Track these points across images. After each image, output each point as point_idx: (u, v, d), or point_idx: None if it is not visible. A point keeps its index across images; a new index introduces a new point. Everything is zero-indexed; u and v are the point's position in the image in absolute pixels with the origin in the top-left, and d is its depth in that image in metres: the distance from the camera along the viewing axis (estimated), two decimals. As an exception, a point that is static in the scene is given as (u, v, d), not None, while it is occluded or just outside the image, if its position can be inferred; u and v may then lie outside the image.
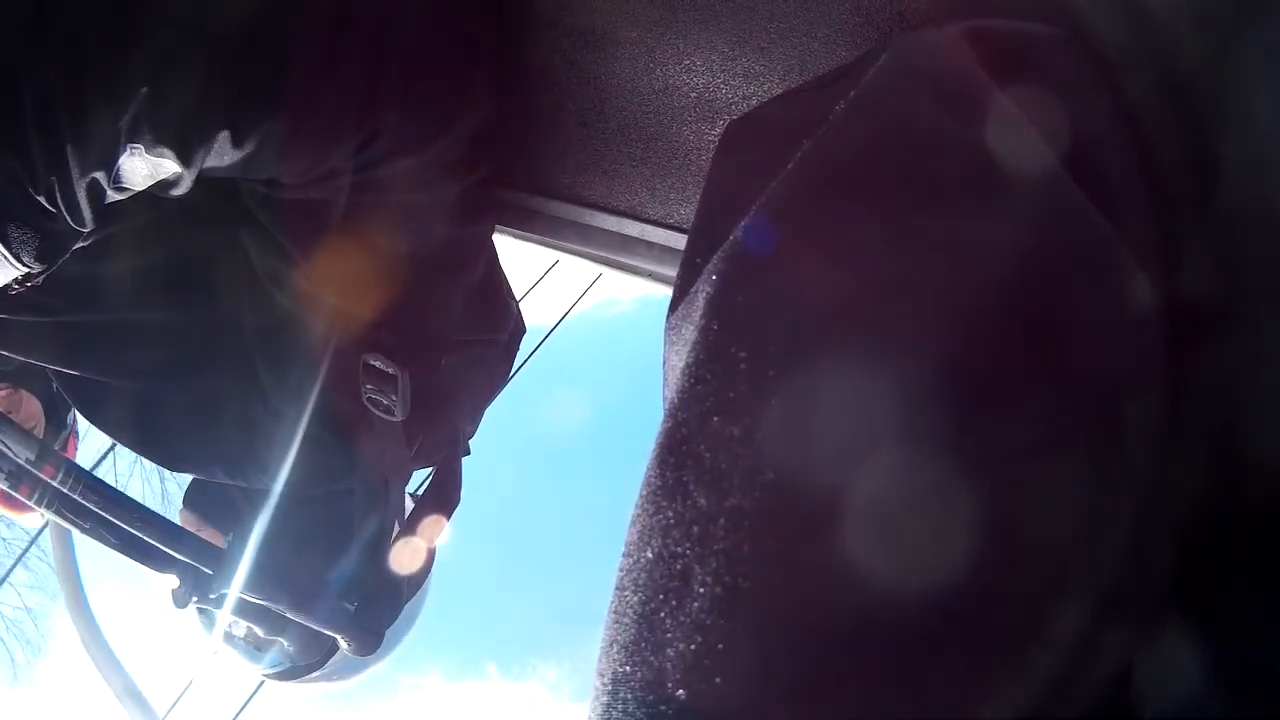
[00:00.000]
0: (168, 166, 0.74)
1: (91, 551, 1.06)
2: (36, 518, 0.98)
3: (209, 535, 1.11)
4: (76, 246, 0.77)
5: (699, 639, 0.34)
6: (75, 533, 0.95)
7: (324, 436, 1.03)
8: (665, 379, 0.47)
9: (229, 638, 1.14)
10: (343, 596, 1.06)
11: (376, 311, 0.97)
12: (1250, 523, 0.37)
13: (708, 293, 0.41)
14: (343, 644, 1.07)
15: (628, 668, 0.36)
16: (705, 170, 0.81)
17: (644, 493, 0.39)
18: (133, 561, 0.97)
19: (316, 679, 1.17)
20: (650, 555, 0.37)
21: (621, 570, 0.38)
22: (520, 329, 1.19)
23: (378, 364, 0.98)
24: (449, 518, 1.12)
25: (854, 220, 0.40)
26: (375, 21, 0.80)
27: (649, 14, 0.89)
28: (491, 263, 1.11)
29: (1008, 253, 0.37)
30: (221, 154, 0.76)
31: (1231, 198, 0.39)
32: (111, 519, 0.92)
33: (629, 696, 0.35)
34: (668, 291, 0.48)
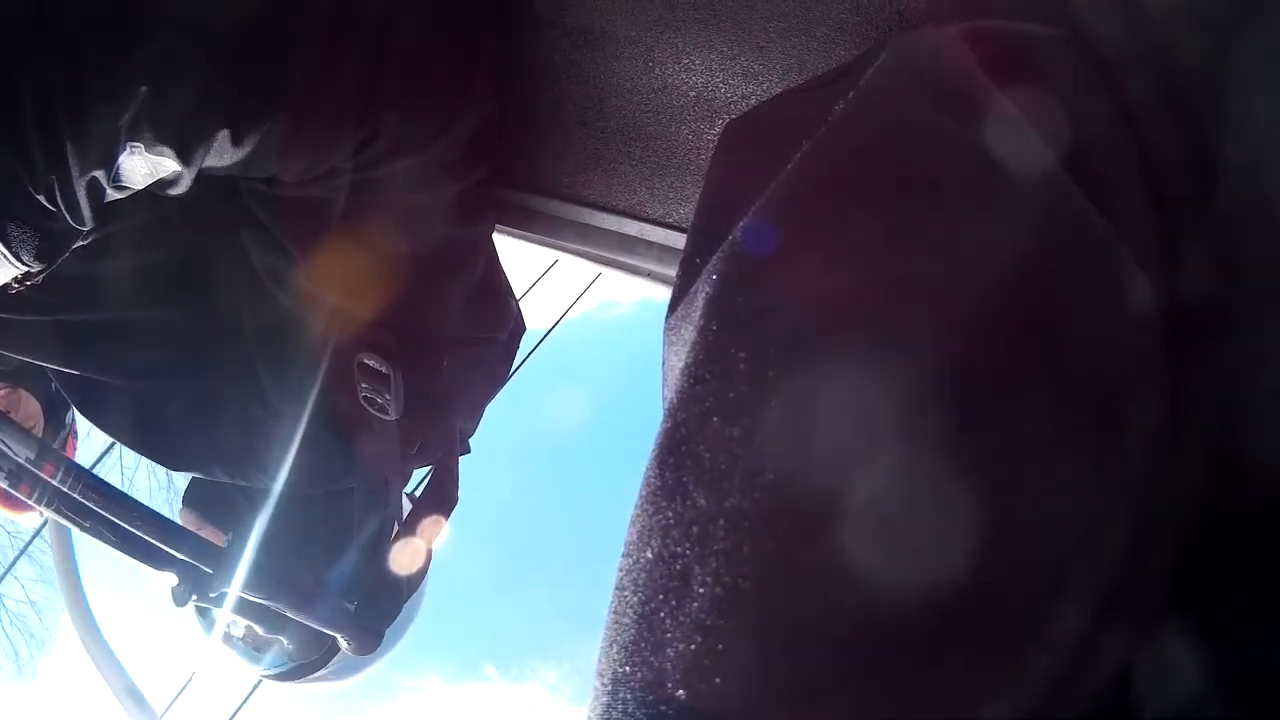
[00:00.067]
0: (167, 165, 0.74)
1: (92, 551, 1.06)
2: (36, 516, 0.98)
3: (209, 534, 1.11)
4: (76, 245, 0.77)
5: (699, 639, 0.34)
6: (75, 531, 0.95)
7: (323, 436, 1.03)
8: (665, 379, 0.47)
9: (228, 637, 1.14)
10: (342, 596, 1.06)
11: (376, 311, 0.97)
12: (1250, 523, 0.37)
13: (707, 293, 0.41)
14: (342, 643, 1.07)
15: (627, 668, 0.36)
16: (704, 169, 0.82)
17: (644, 493, 0.39)
18: (132, 560, 0.98)
19: (315, 679, 1.17)
20: (650, 555, 0.37)
21: (621, 570, 0.38)
22: (520, 328, 1.19)
23: (372, 363, 0.98)
24: (448, 517, 1.12)
25: (853, 221, 0.40)
26: (375, 21, 0.80)
27: (648, 13, 0.89)
28: (491, 262, 1.11)
29: (1007, 253, 0.37)
30: (221, 153, 0.76)
31: (1231, 198, 0.39)
32: (111, 517, 0.92)
33: (629, 697, 0.35)
34: (667, 293, 0.48)
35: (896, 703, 0.34)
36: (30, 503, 0.90)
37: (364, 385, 0.99)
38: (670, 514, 0.37)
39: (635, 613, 0.36)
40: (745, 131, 0.55)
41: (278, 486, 1.03)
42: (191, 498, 1.20)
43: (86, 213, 0.73)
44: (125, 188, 0.75)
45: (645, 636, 0.35)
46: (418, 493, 1.20)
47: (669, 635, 0.35)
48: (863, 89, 0.43)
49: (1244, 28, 0.39)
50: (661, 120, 0.94)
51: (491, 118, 0.96)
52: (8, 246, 0.69)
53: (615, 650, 0.37)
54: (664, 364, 0.47)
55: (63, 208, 0.70)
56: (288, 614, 1.03)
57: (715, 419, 0.37)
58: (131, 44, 0.69)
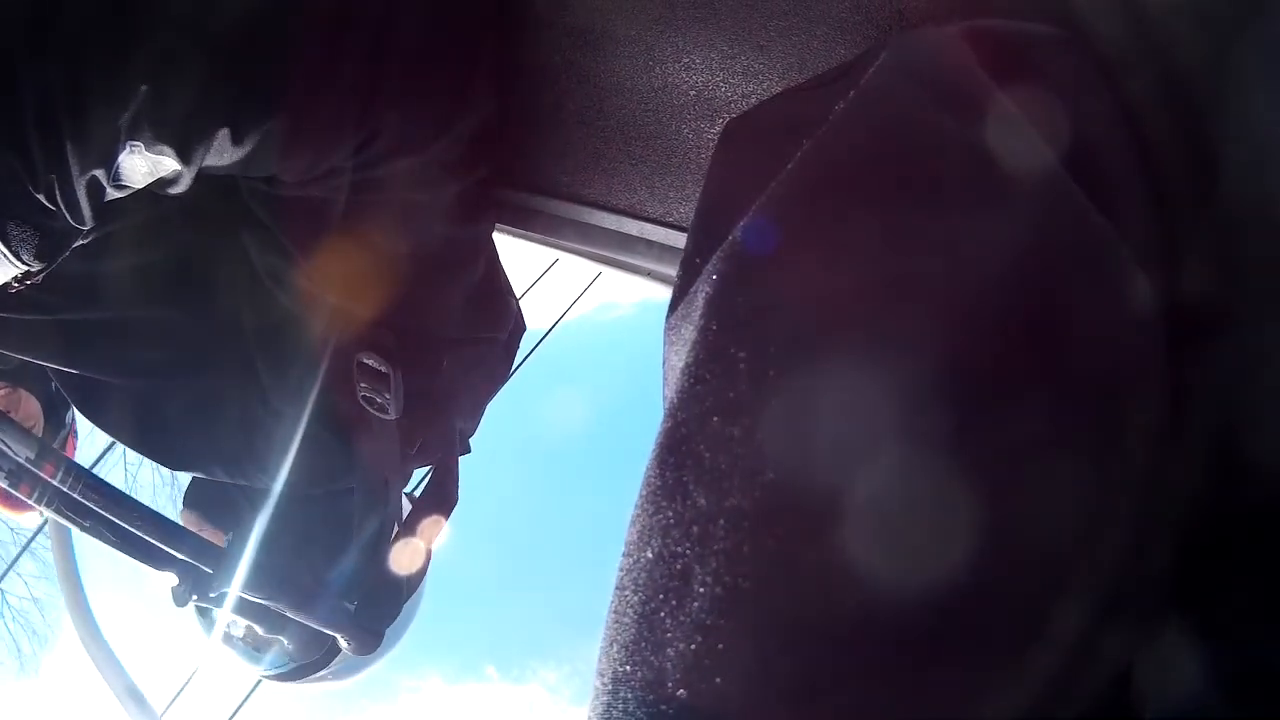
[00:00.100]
0: (167, 164, 0.74)
1: (92, 551, 1.06)
2: (36, 517, 0.98)
3: (210, 535, 1.11)
4: (76, 244, 0.77)
5: (699, 639, 0.34)
6: (75, 531, 0.95)
7: (323, 436, 1.03)
8: (665, 379, 0.47)
9: (228, 637, 1.14)
10: (342, 596, 1.06)
11: (376, 310, 0.97)
12: (1250, 523, 0.37)
13: (707, 292, 0.41)
14: (342, 643, 1.07)
15: (628, 667, 0.36)
16: (705, 168, 0.82)
17: (644, 492, 0.39)
18: (132, 560, 0.98)
19: (316, 679, 1.17)
20: (650, 555, 0.37)
21: (621, 570, 0.38)
22: (520, 327, 1.19)
23: (371, 362, 0.98)
24: (448, 517, 1.12)
25: (854, 220, 0.40)
26: (375, 21, 0.80)
27: (648, 12, 0.89)
28: (492, 261, 1.11)
29: (1007, 253, 0.37)
30: (221, 152, 0.76)
31: (1232, 198, 0.39)
32: (111, 517, 0.92)
33: (629, 696, 0.35)
34: (667, 293, 0.48)
35: (897, 702, 0.34)
36: (30, 503, 0.90)
37: (364, 385, 0.99)
38: (670, 513, 0.37)
39: (635, 612, 0.36)
40: (746, 131, 0.55)
41: (278, 486, 1.03)
42: (192, 498, 1.20)
43: (86, 212, 0.73)
44: (125, 187, 0.75)
45: (645, 636, 0.35)
46: (418, 493, 1.20)
47: (669, 635, 0.35)
48: (863, 88, 0.43)
49: (1244, 28, 0.39)
50: (662, 119, 0.94)
51: (491, 118, 0.96)
52: (8, 246, 0.69)
53: (616, 650, 0.37)
54: (664, 364, 0.47)
55: (63, 207, 0.70)
56: (288, 614, 1.03)
57: (715, 418, 0.37)
58: (131, 44, 0.69)
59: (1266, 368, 0.38)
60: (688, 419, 0.38)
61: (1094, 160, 0.41)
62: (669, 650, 0.34)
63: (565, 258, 1.17)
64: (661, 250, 1.02)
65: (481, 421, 1.23)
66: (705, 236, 0.46)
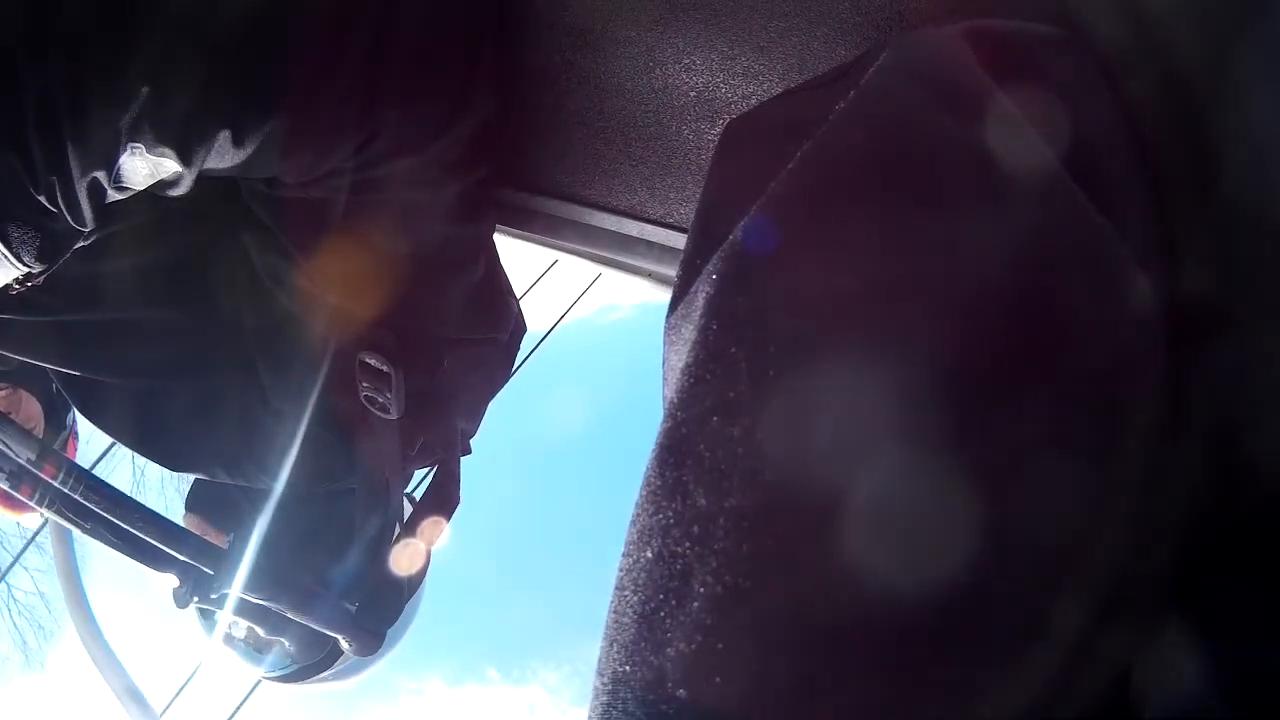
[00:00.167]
0: (168, 166, 0.74)
1: (93, 551, 1.06)
2: (36, 518, 0.98)
3: (213, 538, 1.11)
4: (77, 246, 0.77)
5: (699, 638, 0.34)
6: (76, 532, 0.95)
7: (324, 436, 1.03)
8: (665, 379, 0.47)
9: (230, 639, 1.14)
10: (344, 596, 1.06)
11: (377, 311, 0.97)
12: (1250, 523, 0.37)
13: (707, 293, 0.41)
14: (343, 644, 1.07)
15: (628, 667, 0.36)
16: (705, 169, 0.82)
17: (644, 492, 0.39)
18: (133, 561, 0.98)
19: (316, 681, 1.17)
20: (650, 555, 0.37)
21: (621, 570, 0.38)
22: (521, 328, 1.19)
23: (373, 362, 0.98)
24: (449, 519, 1.12)
25: (854, 220, 0.40)
26: (375, 21, 0.80)
27: (649, 13, 0.89)
28: (492, 262, 1.11)
29: (1008, 253, 0.37)
30: (222, 154, 0.76)
31: (1232, 198, 0.39)
32: (112, 519, 0.92)
33: (629, 696, 0.35)
34: (667, 295, 0.48)
35: (897, 702, 0.34)
36: (31, 504, 0.90)
37: (365, 384, 0.99)
38: (670, 513, 0.37)
39: (635, 612, 0.36)
40: (746, 131, 0.55)
41: (279, 487, 1.03)
42: (194, 501, 1.20)
43: (87, 213, 0.73)
44: (126, 188, 0.75)
45: (645, 636, 0.35)
46: (418, 494, 1.20)
47: (669, 634, 0.35)
48: (863, 88, 0.43)
49: (1244, 28, 0.39)
50: (662, 120, 0.94)
51: (491, 118, 0.96)
52: (9, 247, 0.69)
53: (615, 650, 0.37)
54: (664, 363, 0.47)
55: (64, 208, 0.71)
56: (289, 615, 1.03)
57: (715, 418, 0.37)
58: (132, 45, 0.69)
59: (1266, 368, 0.38)
60: (688, 419, 0.38)
61: (1094, 160, 0.41)
62: (669, 650, 0.34)
63: (565, 258, 1.17)
64: (662, 251, 1.02)
65: (482, 422, 1.23)
66: (705, 237, 0.46)
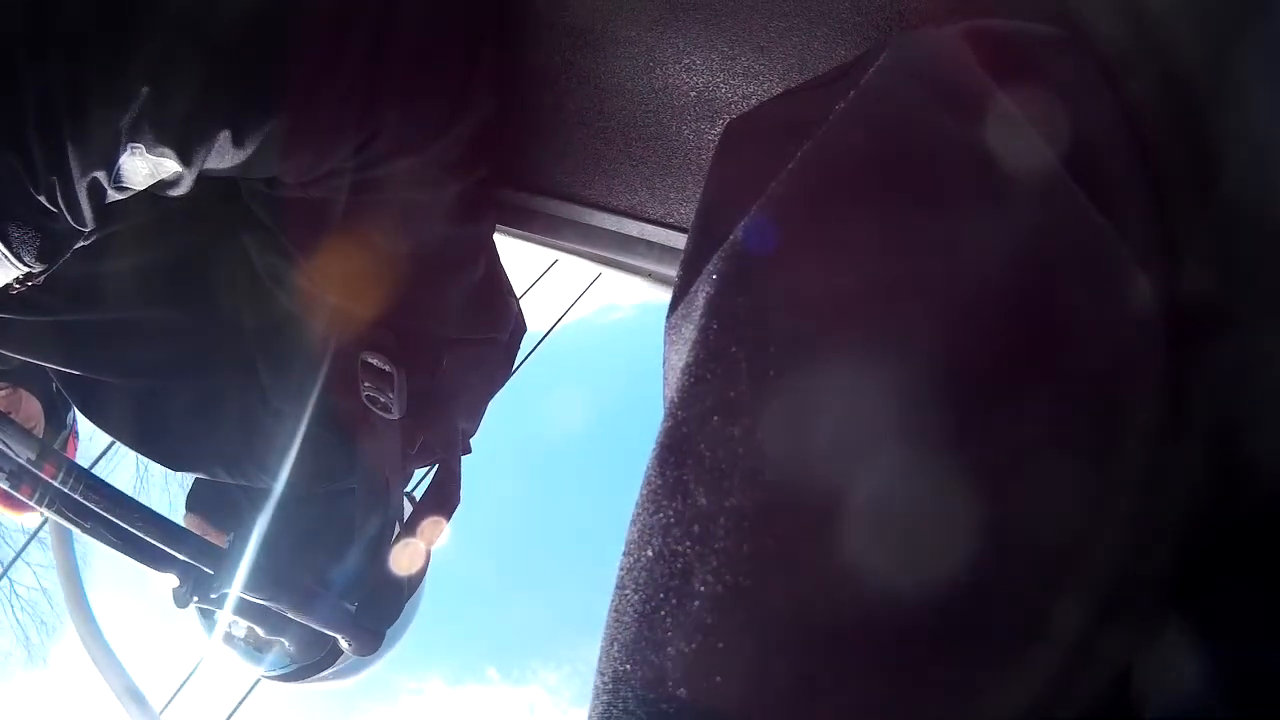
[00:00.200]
0: (168, 166, 0.74)
1: (93, 550, 1.06)
2: (37, 517, 0.98)
3: (214, 538, 1.11)
4: (77, 246, 0.77)
5: (699, 638, 0.34)
6: (76, 532, 0.95)
7: (324, 435, 1.03)
8: (665, 379, 0.47)
9: (230, 638, 1.14)
10: (343, 596, 1.06)
11: (377, 310, 0.97)
12: (1250, 523, 0.37)
13: (708, 292, 0.41)
14: (343, 644, 1.07)
15: (628, 666, 0.36)
16: (705, 169, 0.82)
17: (644, 492, 0.39)
18: (133, 561, 0.98)
19: (316, 680, 1.17)
20: (651, 554, 0.37)
21: (622, 569, 0.39)
22: (521, 328, 1.19)
23: (375, 362, 0.98)
24: (449, 518, 1.12)
25: (854, 220, 0.40)
26: (375, 21, 0.80)
27: (649, 13, 0.89)
28: (492, 262, 1.11)
29: (1008, 253, 0.37)
30: (222, 154, 0.76)
31: (1232, 198, 0.39)
32: (112, 518, 0.92)
33: (629, 695, 0.35)
34: (667, 295, 0.48)
35: (897, 702, 0.34)
36: (31, 504, 0.90)
37: (367, 384, 0.99)
38: (671, 513, 0.37)
39: (636, 611, 0.36)
40: (746, 131, 0.55)
41: (279, 486, 1.03)
42: (195, 501, 1.20)
43: (87, 213, 0.73)
44: (126, 189, 0.75)
45: (646, 635, 0.35)
46: (419, 493, 1.20)
47: (670, 634, 0.35)
48: (863, 88, 0.43)
49: (1244, 28, 0.39)
50: (662, 120, 0.94)
51: (491, 118, 0.96)
52: (9, 247, 0.69)
53: (616, 649, 0.37)
54: (665, 363, 0.47)
55: (64, 208, 0.71)
56: (289, 615, 1.03)
57: (716, 418, 0.37)
58: (132, 45, 0.69)
59: (1267, 368, 0.38)
60: (688, 418, 0.38)
61: (1094, 160, 0.41)
62: (669, 649, 0.35)
63: (565, 258, 1.17)
64: (662, 251, 1.02)
65: (482, 422, 1.23)
66: (706, 237, 0.46)
